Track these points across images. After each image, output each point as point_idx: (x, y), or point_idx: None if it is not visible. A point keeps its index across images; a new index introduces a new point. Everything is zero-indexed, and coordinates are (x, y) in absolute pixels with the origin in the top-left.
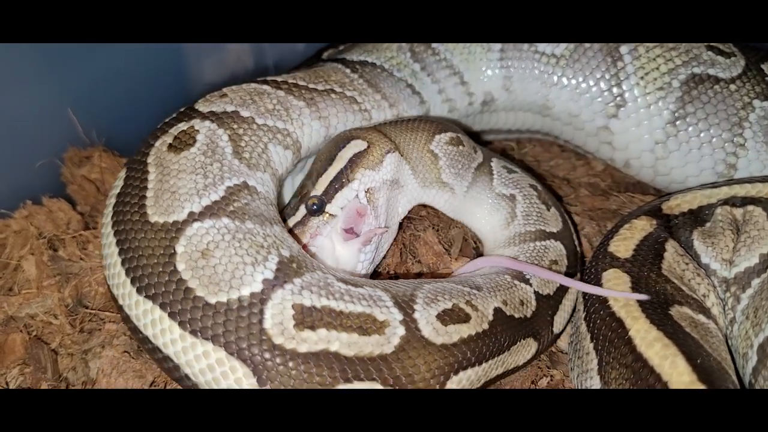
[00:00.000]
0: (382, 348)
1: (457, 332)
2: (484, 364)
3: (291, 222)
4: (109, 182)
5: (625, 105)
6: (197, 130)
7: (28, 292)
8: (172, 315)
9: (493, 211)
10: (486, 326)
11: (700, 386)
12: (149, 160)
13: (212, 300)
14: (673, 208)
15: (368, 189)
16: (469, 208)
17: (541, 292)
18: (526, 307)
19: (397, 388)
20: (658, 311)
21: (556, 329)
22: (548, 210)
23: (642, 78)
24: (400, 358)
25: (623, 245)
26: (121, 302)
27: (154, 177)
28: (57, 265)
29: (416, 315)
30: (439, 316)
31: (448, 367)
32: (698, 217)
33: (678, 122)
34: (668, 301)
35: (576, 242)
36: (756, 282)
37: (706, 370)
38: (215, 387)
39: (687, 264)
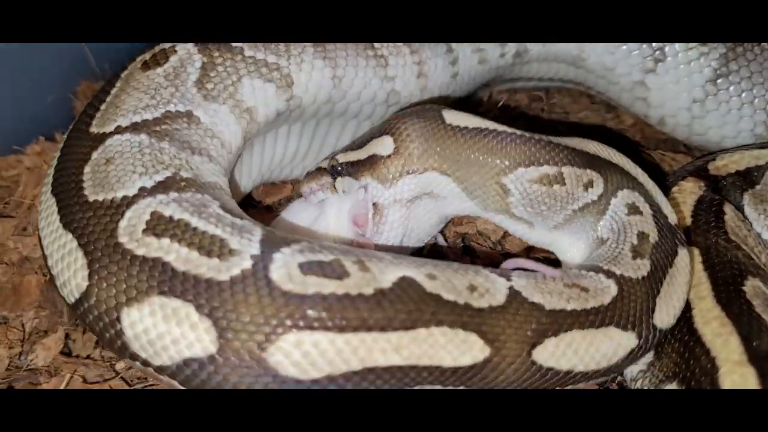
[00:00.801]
0: (216, 274)
1: (317, 285)
2: (348, 335)
3: (319, 164)
4: None
5: (664, 60)
6: (175, 51)
7: None
8: (60, 210)
9: (583, 251)
10: (369, 291)
11: (748, 368)
12: (122, 74)
13: (91, 198)
14: (719, 169)
15: (375, 203)
16: (552, 241)
17: (519, 290)
18: (483, 295)
19: (211, 319)
20: (730, 289)
21: (546, 361)
22: (633, 259)
23: None
24: (234, 291)
25: (679, 212)
26: (39, 199)
27: (114, 91)
28: None
29: (276, 255)
30: (303, 265)
31: (288, 319)
32: (746, 179)
33: (719, 80)
34: (742, 272)
35: (650, 303)
36: None
37: (760, 354)
38: (62, 278)
39: (749, 230)
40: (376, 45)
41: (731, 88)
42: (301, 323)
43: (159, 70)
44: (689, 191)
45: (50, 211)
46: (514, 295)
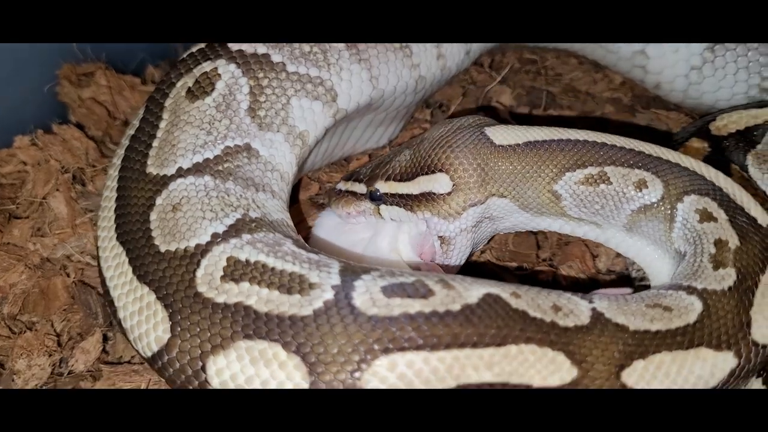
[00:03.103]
0: (298, 309)
1: (402, 306)
2: (441, 352)
3: (350, 186)
4: (120, 105)
5: None
6: (219, 75)
7: (62, 233)
8: (131, 261)
9: (668, 264)
10: (456, 307)
11: None
12: (167, 103)
13: (163, 248)
14: (720, 129)
15: (440, 236)
16: (633, 246)
17: (601, 311)
18: (567, 315)
19: (299, 355)
20: None
21: (636, 384)
22: (715, 269)
23: None
24: (318, 323)
25: None
26: (98, 244)
27: (164, 126)
28: (89, 202)
29: (357, 282)
30: (386, 288)
31: (377, 343)
32: (747, 138)
33: (717, 47)
34: None
35: (744, 316)
36: None
37: None
38: (137, 331)
39: (755, 190)
40: None
41: (728, 53)
42: (391, 345)
43: (208, 100)
44: (694, 151)
45: (119, 261)
46: (597, 316)
